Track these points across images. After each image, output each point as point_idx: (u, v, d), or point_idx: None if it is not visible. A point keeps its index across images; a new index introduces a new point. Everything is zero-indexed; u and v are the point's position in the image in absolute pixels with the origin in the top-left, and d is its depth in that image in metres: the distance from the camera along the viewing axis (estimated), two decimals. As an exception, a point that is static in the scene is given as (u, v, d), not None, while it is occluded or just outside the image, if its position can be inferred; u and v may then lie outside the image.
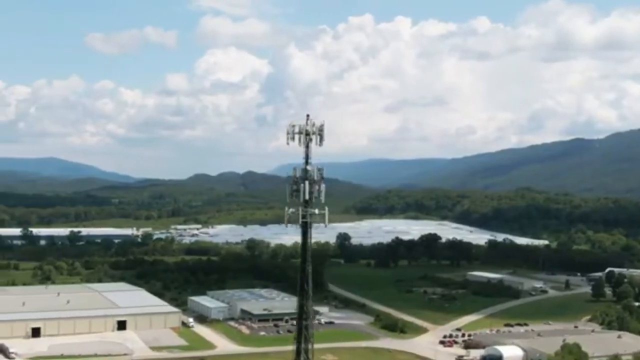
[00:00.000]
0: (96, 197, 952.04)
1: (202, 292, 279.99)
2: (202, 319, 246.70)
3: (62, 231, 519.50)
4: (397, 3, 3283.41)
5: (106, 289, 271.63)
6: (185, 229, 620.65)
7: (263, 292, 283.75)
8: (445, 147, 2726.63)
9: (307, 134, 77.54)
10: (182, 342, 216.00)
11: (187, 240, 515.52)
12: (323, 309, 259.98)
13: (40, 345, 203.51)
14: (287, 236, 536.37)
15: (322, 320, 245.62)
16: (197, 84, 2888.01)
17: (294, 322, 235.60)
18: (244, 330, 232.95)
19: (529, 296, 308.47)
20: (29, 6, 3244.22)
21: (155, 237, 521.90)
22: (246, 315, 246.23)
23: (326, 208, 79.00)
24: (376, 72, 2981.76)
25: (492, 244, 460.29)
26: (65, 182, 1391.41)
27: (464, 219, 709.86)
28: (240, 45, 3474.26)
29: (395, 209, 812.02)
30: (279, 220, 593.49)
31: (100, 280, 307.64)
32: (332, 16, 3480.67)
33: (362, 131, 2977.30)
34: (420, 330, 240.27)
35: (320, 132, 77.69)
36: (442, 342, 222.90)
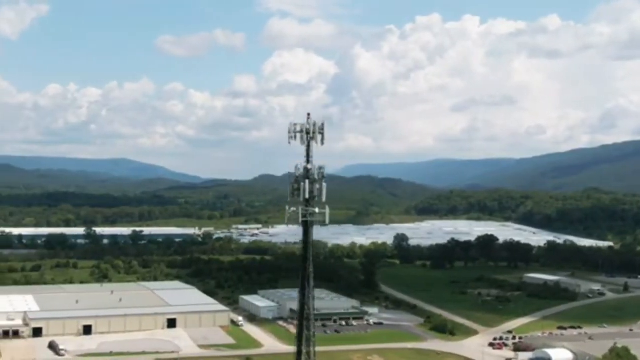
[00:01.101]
0: (163, 197, 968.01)
1: (254, 291, 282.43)
2: (252, 317, 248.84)
3: (125, 231, 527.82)
4: (465, 2, 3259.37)
5: (159, 287, 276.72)
6: (245, 229, 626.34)
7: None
8: (513, 147, 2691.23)
9: (308, 133, 77.66)
10: (230, 340, 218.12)
11: (246, 240, 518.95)
12: (373, 310, 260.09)
13: (90, 343, 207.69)
14: (348, 236, 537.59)
15: (371, 321, 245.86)
16: (265, 85, 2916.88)
17: (343, 322, 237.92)
18: (292, 329, 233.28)
19: (586, 299, 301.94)
20: (100, 10, 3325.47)
21: (215, 236, 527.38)
22: (295, 315, 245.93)
23: (327, 207, 78.84)
24: (443, 72, 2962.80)
25: (551, 245, 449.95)
26: (135, 182, 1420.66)
27: (528, 220, 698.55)
28: (307, 47, 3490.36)
29: (458, 210, 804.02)
30: (337, 221, 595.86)
31: (155, 279, 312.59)
32: (399, 16, 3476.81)
33: (428, 131, 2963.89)
34: (471, 333, 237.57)
35: (321, 132, 77.72)
36: (491, 345, 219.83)
